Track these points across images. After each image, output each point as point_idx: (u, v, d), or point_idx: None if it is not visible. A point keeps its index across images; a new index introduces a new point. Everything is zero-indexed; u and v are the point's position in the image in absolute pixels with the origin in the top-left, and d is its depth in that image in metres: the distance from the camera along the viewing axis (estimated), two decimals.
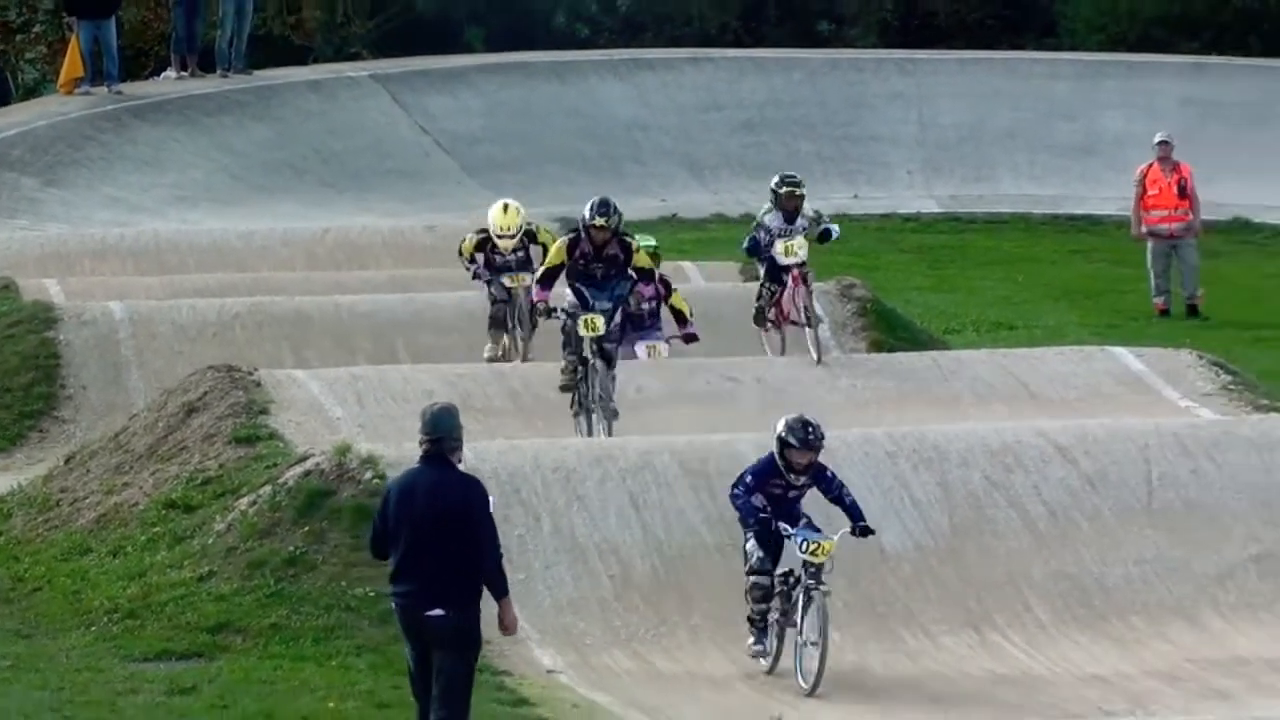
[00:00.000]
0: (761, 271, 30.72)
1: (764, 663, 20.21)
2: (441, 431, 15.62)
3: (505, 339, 30.56)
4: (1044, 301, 46.22)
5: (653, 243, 33.98)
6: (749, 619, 20.22)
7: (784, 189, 29.58)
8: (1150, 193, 44.55)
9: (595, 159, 58.05)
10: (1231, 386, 29.93)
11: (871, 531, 20.34)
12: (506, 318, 30.57)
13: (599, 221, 26.37)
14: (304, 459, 24.37)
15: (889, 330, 35.37)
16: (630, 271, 27.03)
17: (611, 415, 25.82)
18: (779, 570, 20.35)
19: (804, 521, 20.23)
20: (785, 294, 29.47)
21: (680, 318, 29.16)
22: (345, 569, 22.32)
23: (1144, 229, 44.28)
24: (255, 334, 34.56)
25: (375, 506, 17.14)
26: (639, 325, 29.23)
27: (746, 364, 30.32)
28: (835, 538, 19.85)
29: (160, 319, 35.30)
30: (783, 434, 19.98)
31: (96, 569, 23.80)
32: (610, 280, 26.97)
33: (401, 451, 21.90)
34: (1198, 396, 29.50)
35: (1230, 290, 45.98)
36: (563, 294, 27.11)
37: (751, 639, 20.16)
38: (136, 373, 33.87)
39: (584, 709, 19.67)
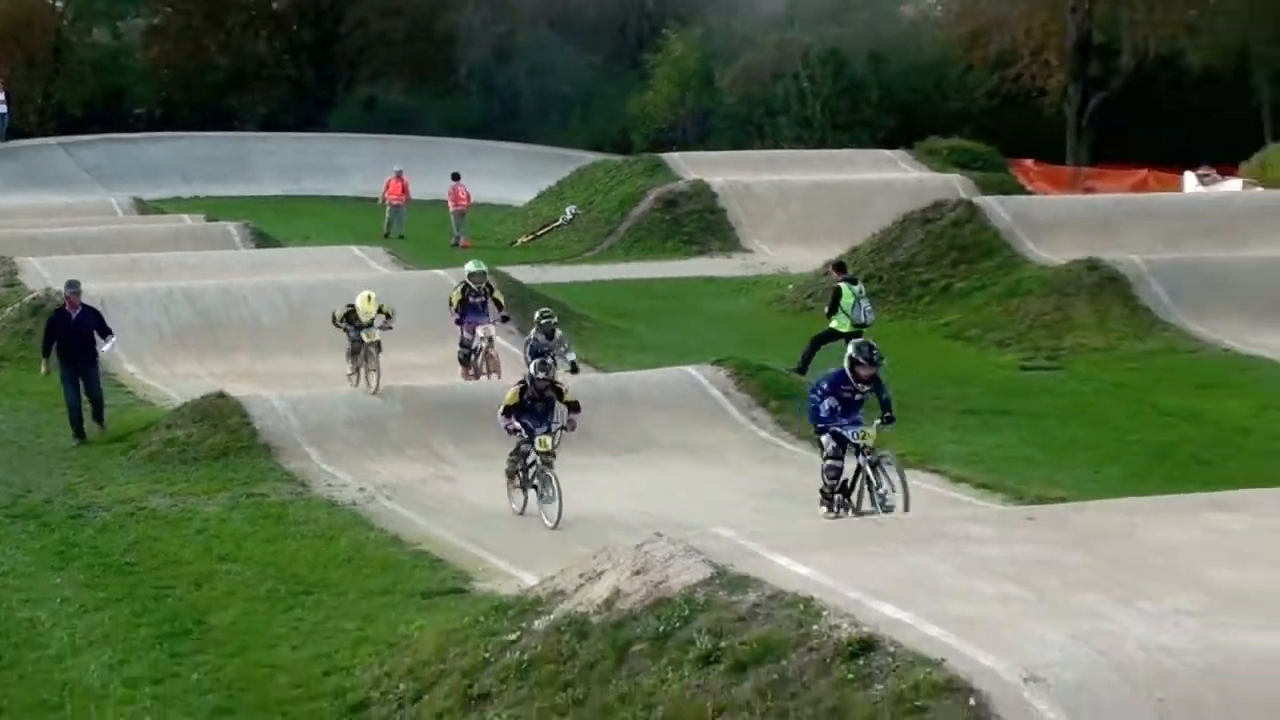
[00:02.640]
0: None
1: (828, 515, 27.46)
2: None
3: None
4: None
5: (480, 266, 43.07)
6: (822, 492, 27.46)
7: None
8: None
9: None
10: None
11: (893, 420, 27.96)
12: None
13: (541, 374, 32.68)
14: None
15: None
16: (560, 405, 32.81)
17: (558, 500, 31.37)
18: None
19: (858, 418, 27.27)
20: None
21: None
22: None
23: None
24: None
25: None
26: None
27: None
28: (872, 427, 27.22)
29: None
30: (852, 354, 27.17)
31: None
32: (548, 412, 32.60)
33: None
34: None
35: None
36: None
37: (824, 509, 27.40)
38: None
39: None
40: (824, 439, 26.35)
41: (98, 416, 38.03)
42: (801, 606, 20.28)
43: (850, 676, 18.82)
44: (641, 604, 21.53)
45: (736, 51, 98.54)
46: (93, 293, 46.37)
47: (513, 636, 22.16)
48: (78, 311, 39.68)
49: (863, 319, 43.33)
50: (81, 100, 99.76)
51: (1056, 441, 36.44)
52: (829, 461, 25.75)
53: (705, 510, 28.83)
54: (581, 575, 23.07)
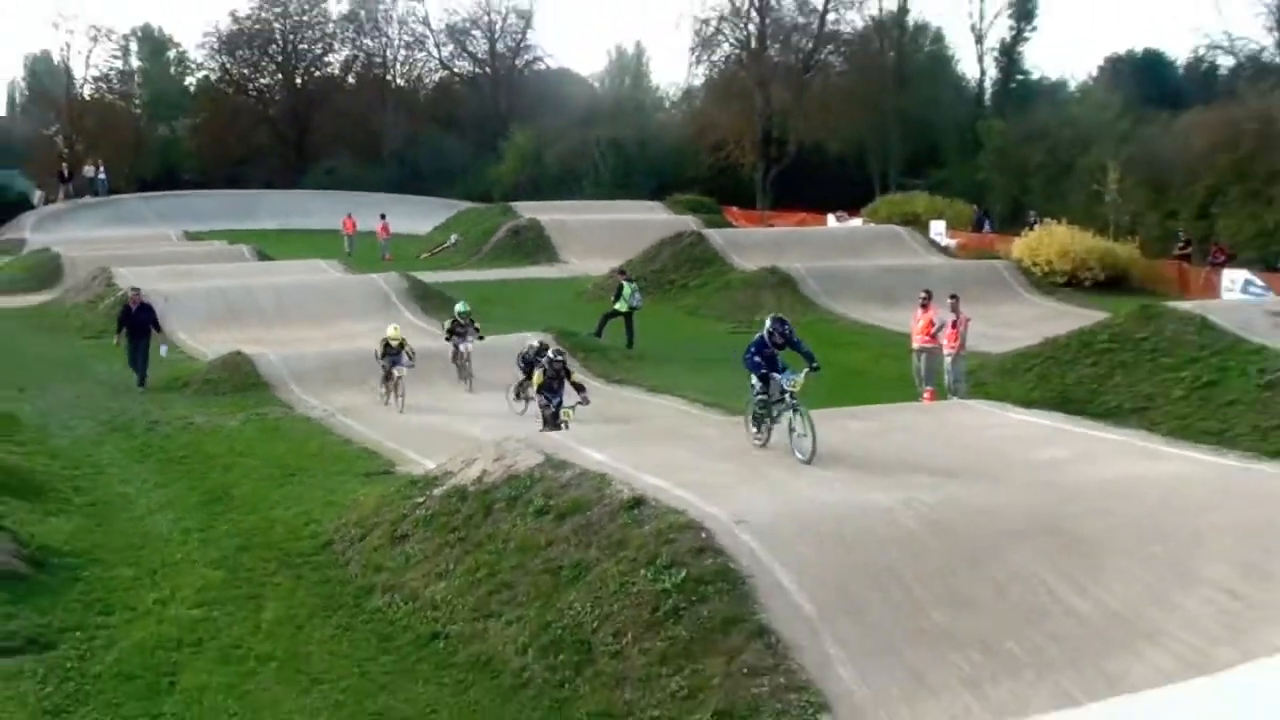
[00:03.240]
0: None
1: (758, 443, 23.11)
2: None
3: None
4: None
5: (466, 307, 38.66)
6: (753, 417, 23.25)
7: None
8: None
9: None
10: None
11: (818, 368, 22.85)
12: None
13: (558, 359, 29.63)
14: None
15: None
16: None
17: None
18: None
19: (787, 369, 22.88)
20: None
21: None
22: None
23: None
24: None
25: None
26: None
27: None
28: (801, 375, 22.54)
29: None
30: (769, 327, 23.15)
31: None
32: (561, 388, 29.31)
33: None
34: None
35: None
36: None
37: (754, 430, 23.23)
38: None
39: None
40: (754, 379, 23.10)
41: (141, 377, 37.59)
42: (599, 479, 20.34)
43: (629, 521, 18.89)
44: (500, 479, 21.49)
45: (556, 140, 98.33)
46: (160, 290, 46.48)
47: (420, 500, 22.09)
48: (137, 305, 39.26)
49: (636, 303, 43.24)
50: (152, 171, 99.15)
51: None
52: (759, 397, 23.00)
53: (539, 423, 28.82)
54: (462, 462, 22.99)
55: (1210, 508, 20.38)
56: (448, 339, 38.14)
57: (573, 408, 29.00)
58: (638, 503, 19.30)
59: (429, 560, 20.22)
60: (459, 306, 39.39)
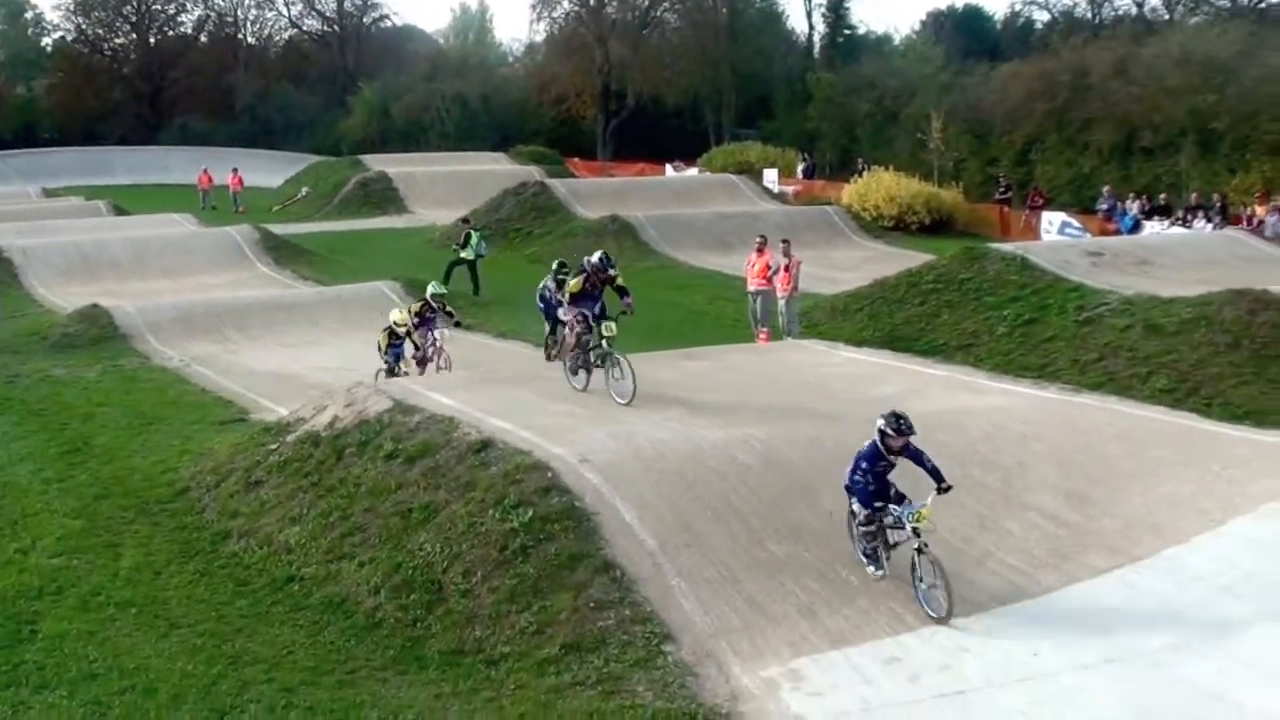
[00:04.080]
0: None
1: (879, 575, 16.54)
2: None
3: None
4: None
5: (440, 289, 30.42)
6: (864, 554, 16.74)
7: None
8: None
9: None
10: None
11: (950, 488, 16.41)
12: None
13: (601, 265, 23.26)
14: None
15: None
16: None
17: (630, 378, 21.93)
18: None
19: (905, 500, 16.48)
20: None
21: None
22: None
23: None
24: None
25: None
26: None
27: None
28: (929, 502, 16.22)
29: None
30: (882, 427, 16.29)
31: None
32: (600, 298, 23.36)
33: None
34: None
35: None
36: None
37: (872, 568, 16.53)
38: None
39: None
40: (854, 505, 16.86)
41: None
42: (447, 422, 20.19)
43: (476, 463, 18.78)
44: (351, 424, 21.25)
45: (402, 94, 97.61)
46: (18, 246, 45.63)
47: (274, 446, 21.78)
48: None
49: (482, 252, 42.83)
50: (10, 129, 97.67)
51: None
52: (861, 529, 16.90)
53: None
54: (314, 408, 22.69)
55: (1034, 438, 20.66)
56: (411, 330, 28.42)
57: (616, 319, 22.88)
58: (485, 445, 19.16)
59: (283, 505, 19.93)
60: (431, 288, 30.39)
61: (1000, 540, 17.61)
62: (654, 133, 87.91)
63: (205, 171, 72.71)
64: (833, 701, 14.14)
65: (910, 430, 16.23)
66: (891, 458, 16.42)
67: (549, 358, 27.08)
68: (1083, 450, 20.29)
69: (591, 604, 15.92)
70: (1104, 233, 47.77)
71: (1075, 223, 51.04)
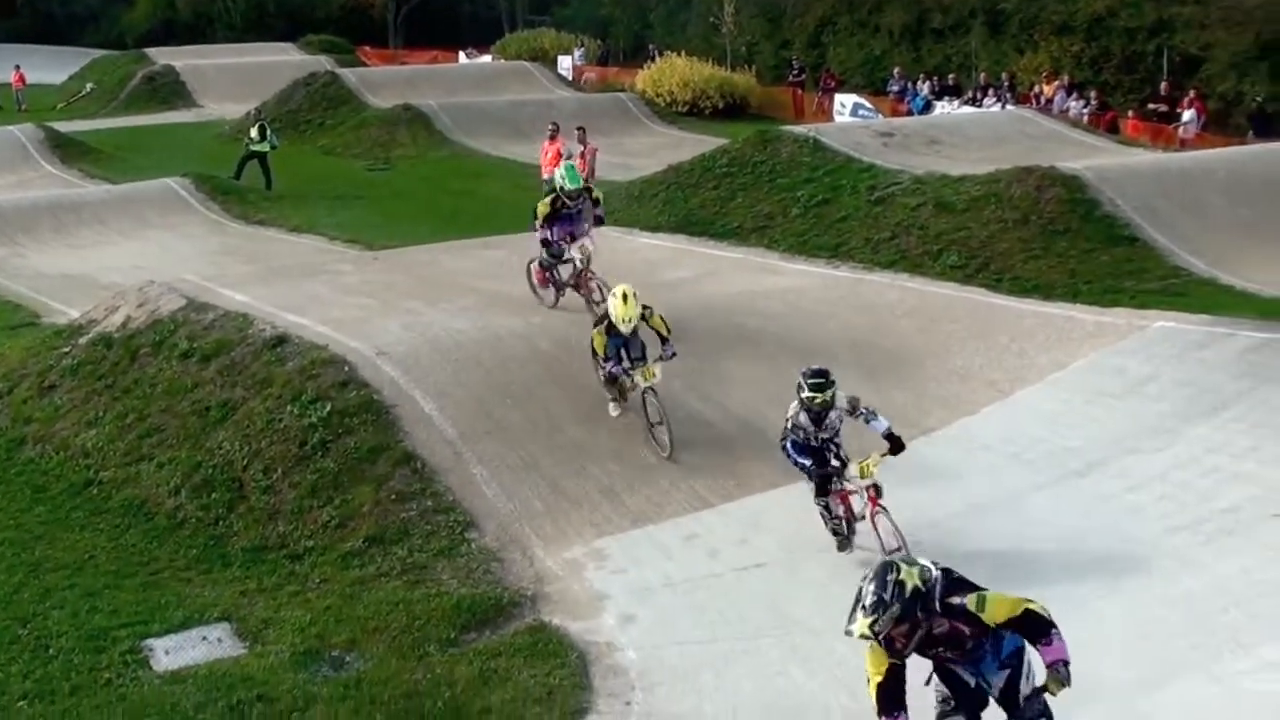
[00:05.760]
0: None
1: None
2: None
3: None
4: None
5: (575, 178, 22.21)
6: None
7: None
8: None
9: None
10: None
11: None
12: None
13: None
14: None
15: None
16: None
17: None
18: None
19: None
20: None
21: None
22: None
23: None
24: None
25: None
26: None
27: None
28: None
29: None
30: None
31: None
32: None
33: None
34: None
35: None
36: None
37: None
38: None
39: None
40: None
41: None
42: (241, 319, 20.06)
43: (272, 359, 18.74)
44: (144, 324, 21.01)
45: None
46: None
47: (66, 350, 21.45)
48: None
49: (274, 143, 42.17)
50: None
51: (389, 213, 36.17)
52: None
53: (181, 266, 28.05)
54: (106, 309, 22.38)
55: (828, 316, 21.07)
56: (546, 227, 21.42)
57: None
58: (280, 341, 19.10)
59: (78, 409, 19.70)
60: (561, 176, 21.84)
61: None
62: (446, 20, 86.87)
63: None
64: (635, 577, 14.48)
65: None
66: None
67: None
68: (876, 327, 20.75)
69: (393, 496, 16.05)
70: (895, 114, 48.40)
71: (867, 104, 51.67)
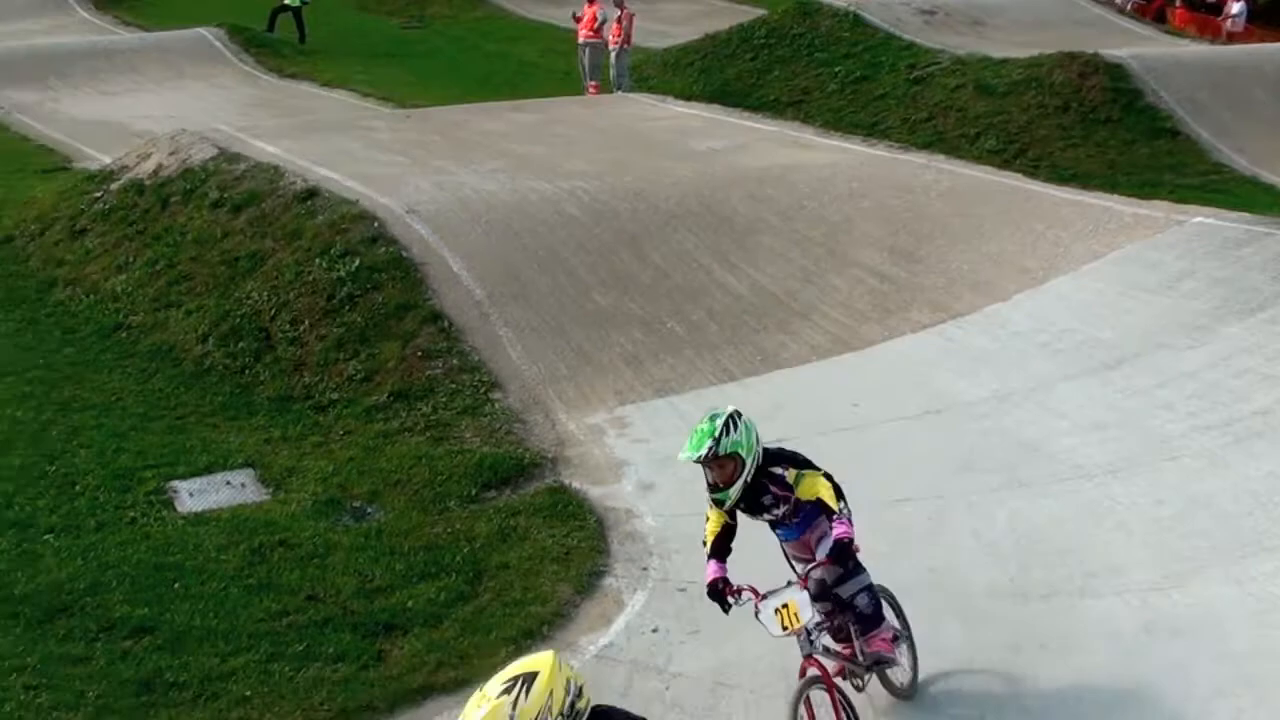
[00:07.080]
0: None
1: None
2: None
3: None
4: None
5: None
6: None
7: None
8: None
9: None
10: None
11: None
12: None
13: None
14: None
15: None
16: None
17: None
18: None
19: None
20: None
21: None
22: None
23: None
24: None
25: None
26: None
27: None
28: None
29: None
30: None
31: None
32: None
33: None
34: None
35: None
36: None
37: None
38: None
39: None
40: None
41: None
42: (273, 171, 20.20)
43: (303, 212, 18.82)
44: (175, 172, 21.18)
45: None
46: None
47: (98, 194, 21.66)
48: None
49: None
50: None
51: (422, 72, 36.16)
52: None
53: (213, 116, 28.16)
54: (138, 156, 22.54)
55: (861, 195, 21.01)
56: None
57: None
58: (311, 194, 19.22)
59: (109, 253, 19.90)
60: None
61: (824, 294, 17.96)
62: None
63: None
64: (657, 446, 14.53)
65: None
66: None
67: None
68: (909, 208, 20.68)
69: (419, 353, 16.20)
70: None
71: None
